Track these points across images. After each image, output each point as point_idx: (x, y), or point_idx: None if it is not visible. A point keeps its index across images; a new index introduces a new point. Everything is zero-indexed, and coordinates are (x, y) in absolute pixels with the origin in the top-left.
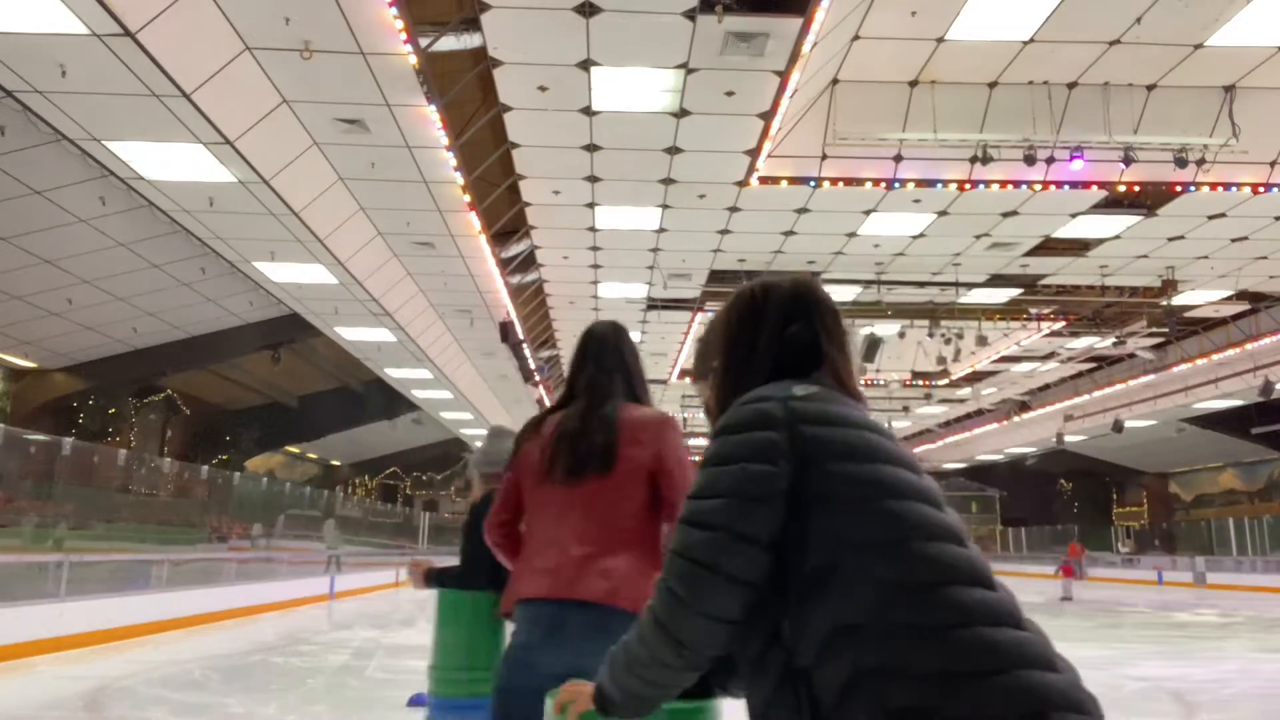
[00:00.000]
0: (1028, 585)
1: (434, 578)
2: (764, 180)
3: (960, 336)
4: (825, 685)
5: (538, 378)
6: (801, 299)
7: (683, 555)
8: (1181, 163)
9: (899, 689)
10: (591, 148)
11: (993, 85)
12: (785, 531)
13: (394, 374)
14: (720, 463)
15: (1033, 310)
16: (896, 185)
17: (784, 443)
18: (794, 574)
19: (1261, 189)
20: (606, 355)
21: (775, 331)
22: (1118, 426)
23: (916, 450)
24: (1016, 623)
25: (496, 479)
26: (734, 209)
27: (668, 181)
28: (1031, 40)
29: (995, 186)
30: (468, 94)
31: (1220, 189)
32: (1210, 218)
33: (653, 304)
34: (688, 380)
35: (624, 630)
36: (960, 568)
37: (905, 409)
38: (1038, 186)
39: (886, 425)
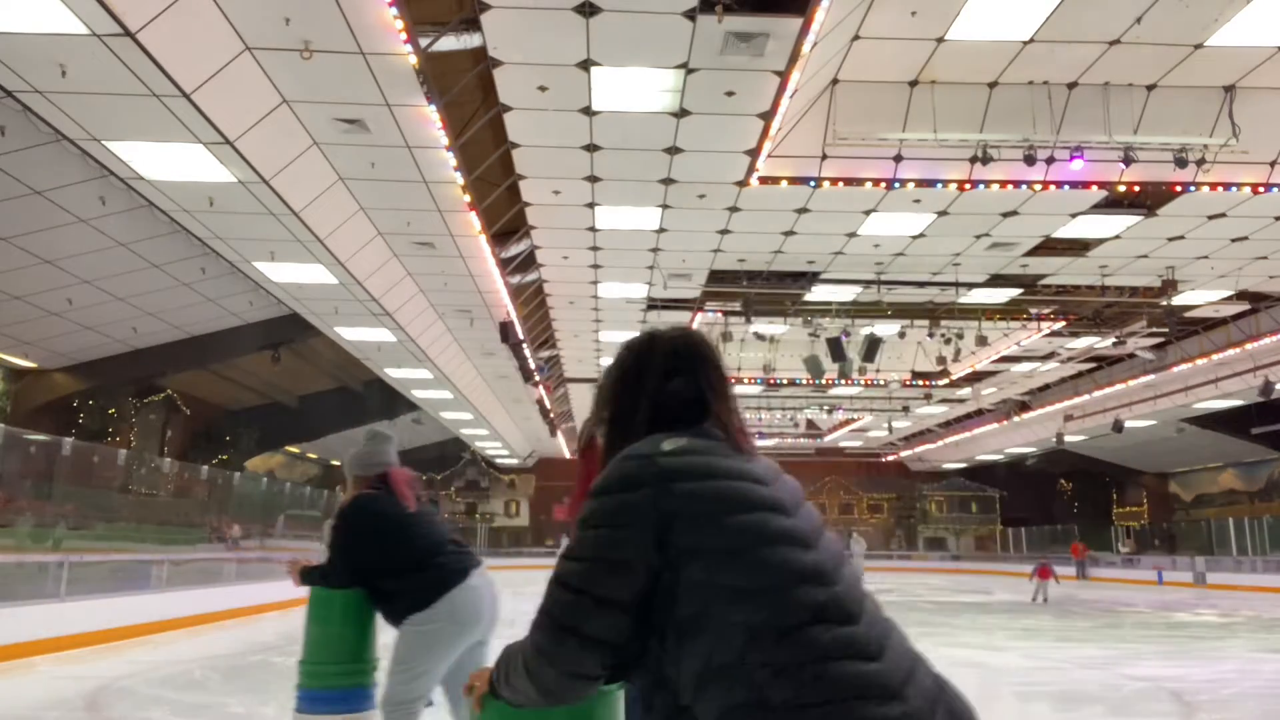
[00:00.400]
0: (1028, 585)
1: (305, 575)
2: (764, 180)
3: (960, 336)
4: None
5: (538, 378)
6: (684, 352)
7: (548, 614)
8: (1181, 163)
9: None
10: (591, 148)
11: (993, 85)
12: (659, 581)
13: (394, 374)
14: (588, 526)
15: (1033, 310)
16: (896, 185)
17: (647, 503)
18: (670, 620)
19: (1261, 189)
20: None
21: (658, 384)
22: (1118, 426)
23: (917, 450)
24: (870, 655)
25: (368, 481)
26: (734, 209)
27: (668, 181)
28: (1031, 40)
29: (995, 186)
30: (468, 94)
31: (1220, 189)
32: (1210, 218)
33: (653, 304)
34: None
35: None
36: (822, 607)
37: (905, 409)
38: (1038, 186)
39: (767, 470)
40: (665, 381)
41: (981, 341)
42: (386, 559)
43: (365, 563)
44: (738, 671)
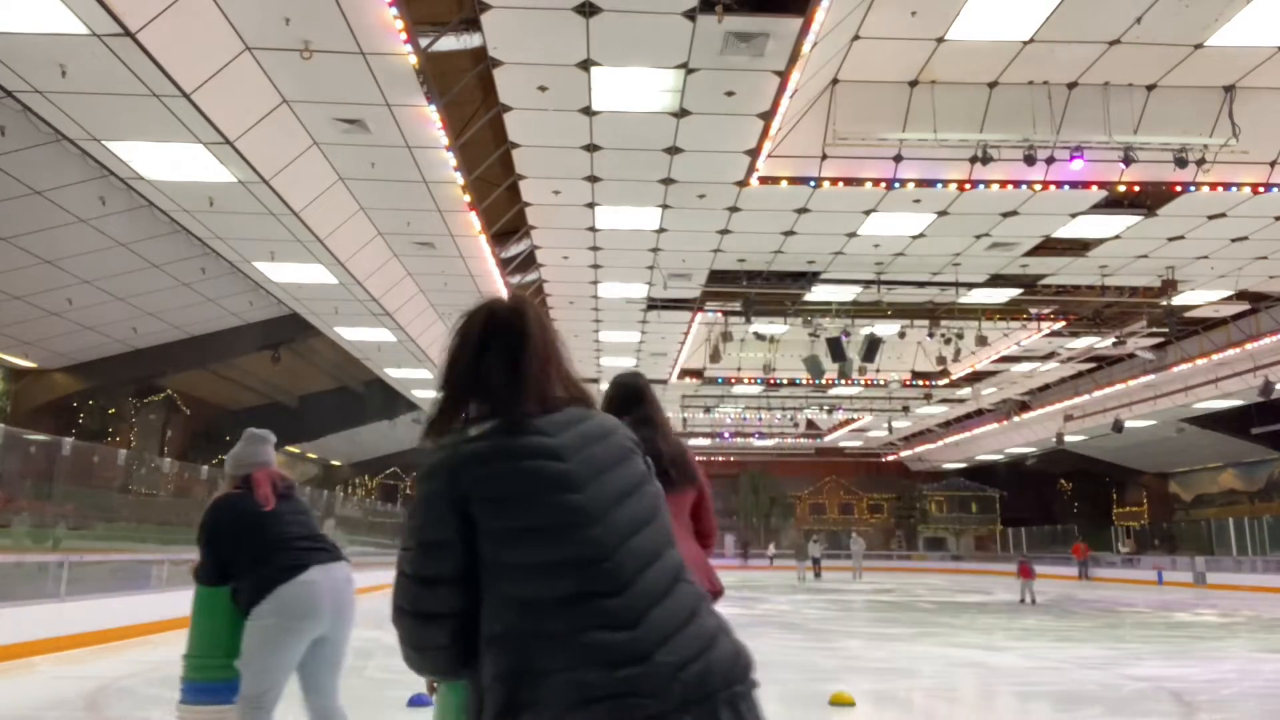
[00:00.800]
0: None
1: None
2: (764, 180)
3: (960, 336)
4: (485, 682)
5: None
6: (494, 328)
7: (392, 598)
8: (1181, 163)
9: (521, 683)
10: (591, 148)
11: (993, 85)
12: (479, 554)
13: (394, 374)
14: (409, 518)
15: (1033, 310)
16: (896, 185)
17: (446, 490)
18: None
19: (1261, 189)
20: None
21: (472, 364)
22: (1118, 426)
23: (917, 450)
24: (625, 625)
25: (236, 481)
26: (734, 209)
27: (668, 181)
28: (1031, 40)
29: (995, 186)
30: (468, 94)
31: (1220, 189)
32: (1210, 218)
33: (653, 304)
34: (688, 380)
35: None
36: (589, 581)
37: (905, 409)
38: (1038, 186)
39: (571, 441)
40: (479, 359)
41: (981, 341)
42: (237, 556)
43: (222, 560)
44: (510, 639)
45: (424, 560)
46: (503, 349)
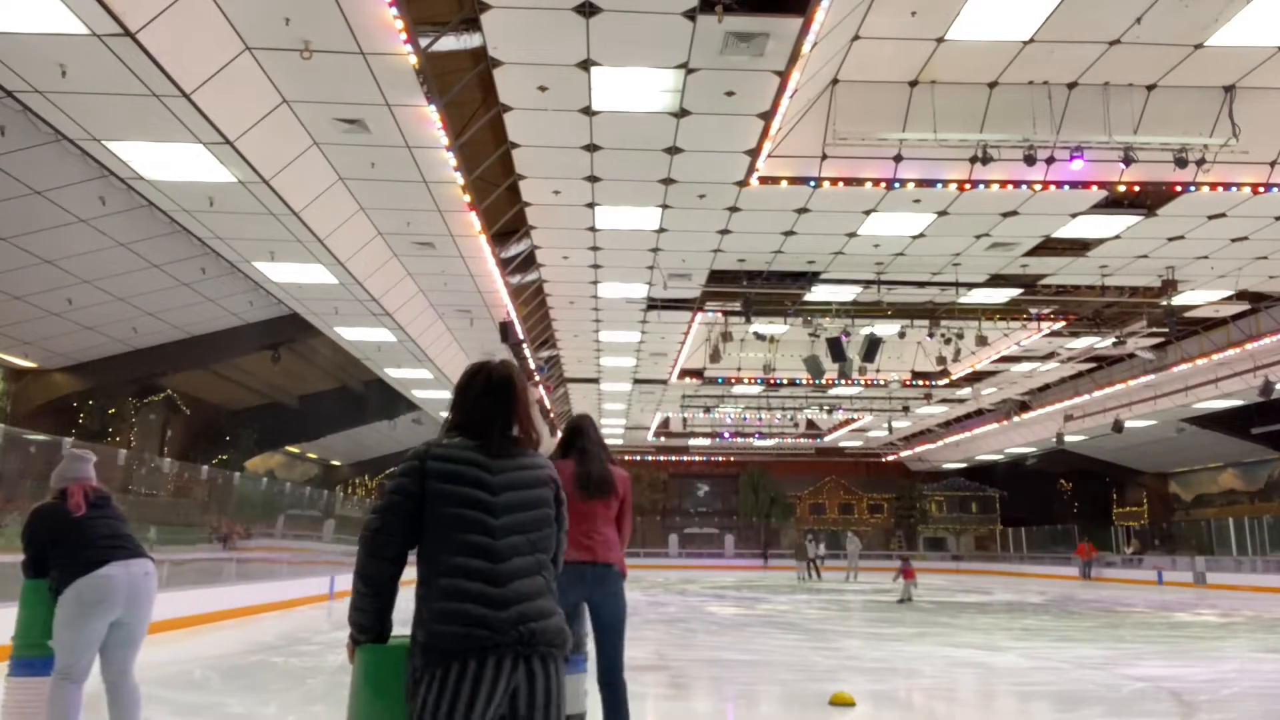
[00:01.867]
0: (1028, 585)
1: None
2: (764, 180)
3: (960, 336)
4: (420, 576)
5: (538, 378)
6: (485, 385)
7: (360, 540)
8: (1181, 163)
9: (429, 585)
10: (591, 148)
11: (993, 85)
12: (424, 511)
13: (394, 374)
14: (388, 489)
15: (1033, 310)
16: (896, 185)
17: (418, 467)
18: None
19: (1261, 189)
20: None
21: (465, 404)
22: (1118, 426)
23: (917, 450)
24: (491, 581)
25: (54, 493)
26: (734, 209)
27: (668, 181)
28: (1031, 40)
29: (995, 186)
30: (468, 94)
31: (1220, 189)
32: (1210, 218)
33: (653, 304)
34: (688, 380)
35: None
36: (475, 549)
37: (905, 409)
38: (1038, 186)
39: (509, 470)
40: (470, 402)
41: (981, 341)
42: (51, 553)
43: (39, 556)
44: (432, 559)
45: (390, 516)
46: (493, 398)
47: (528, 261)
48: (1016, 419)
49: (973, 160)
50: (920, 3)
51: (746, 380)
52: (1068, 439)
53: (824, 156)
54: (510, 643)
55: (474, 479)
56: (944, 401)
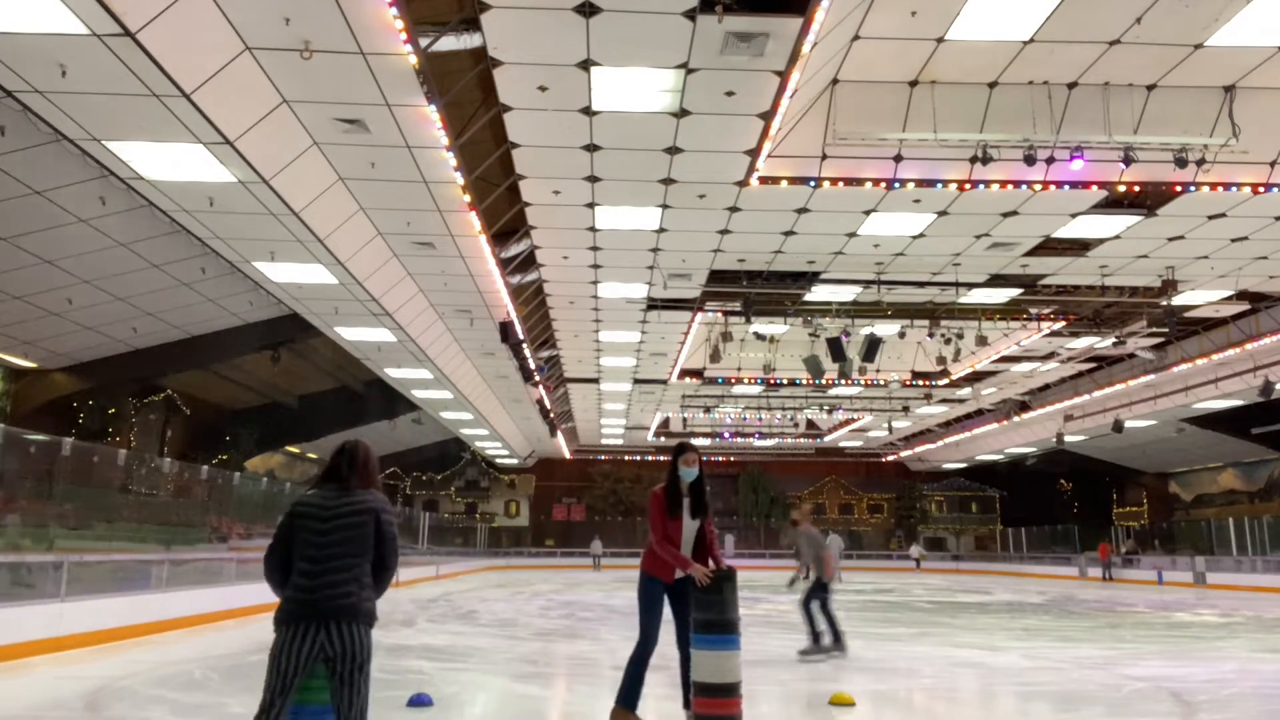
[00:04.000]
0: (1028, 585)
1: None
2: (764, 180)
3: (960, 336)
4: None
5: (538, 378)
6: (344, 451)
7: (266, 554)
8: (1181, 163)
9: (287, 584)
10: (591, 148)
11: (993, 85)
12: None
13: (394, 374)
14: (277, 527)
15: (1033, 310)
16: (896, 185)
17: (291, 508)
18: None
19: (1261, 189)
20: None
21: (334, 464)
22: (1118, 426)
23: (917, 450)
24: (309, 575)
25: None
26: (734, 209)
27: (668, 181)
28: (1031, 40)
29: (995, 186)
30: (468, 94)
31: (1220, 189)
32: (1210, 218)
33: (653, 304)
34: (688, 380)
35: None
36: (305, 557)
37: (905, 409)
38: (1038, 186)
39: (338, 504)
40: (337, 461)
41: (981, 341)
42: None
43: None
44: (294, 569)
45: (276, 544)
46: (346, 460)
47: (528, 261)
48: (1016, 419)
49: (973, 160)
50: (920, 3)
51: (746, 380)
52: (1068, 439)
53: (824, 156)
54: (317, 615)
55: (310, 513)
56: (944, 401)
